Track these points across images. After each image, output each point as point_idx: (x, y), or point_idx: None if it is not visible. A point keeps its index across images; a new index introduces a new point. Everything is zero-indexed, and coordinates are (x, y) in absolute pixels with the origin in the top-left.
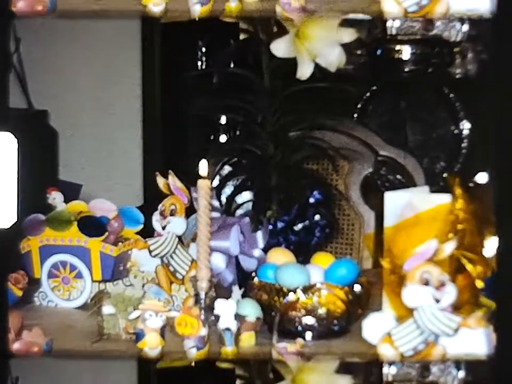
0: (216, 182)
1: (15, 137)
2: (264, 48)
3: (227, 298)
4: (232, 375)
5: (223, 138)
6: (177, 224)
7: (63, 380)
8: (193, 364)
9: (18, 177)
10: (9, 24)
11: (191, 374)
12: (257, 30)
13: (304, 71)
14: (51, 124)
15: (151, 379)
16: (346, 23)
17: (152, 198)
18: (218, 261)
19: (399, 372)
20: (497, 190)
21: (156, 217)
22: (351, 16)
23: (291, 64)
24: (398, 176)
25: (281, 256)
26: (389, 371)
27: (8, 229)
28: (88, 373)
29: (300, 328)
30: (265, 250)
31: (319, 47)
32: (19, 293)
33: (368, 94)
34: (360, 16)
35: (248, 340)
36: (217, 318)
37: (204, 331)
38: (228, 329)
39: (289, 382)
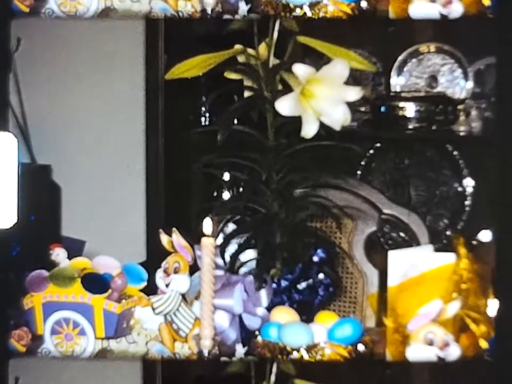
0: (220, 240)
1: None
2: (268, 106)
3: (230, 357)
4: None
5: (226, 195)
6: (181, 282)
7: (63, 380)
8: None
9: (21, 233)
10: (9, 24)
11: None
12: (262, 88)
13: (309, 130)
14: (54, 179)
15: None
16: (351, 81)
17: (155, 254)
18: (222, 319)
19: (407, 82)
20: (500, 248)
21: (159, 275)
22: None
23: (296, 122)
24: (402, 234)
25: (284, 314)
26: (397, 81)
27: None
28: (88, 373)
29: None
30: (269, 308)
31: (324, 105)
32: (22, 350)
33: (371, 151)
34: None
35: None
36: None
37: None
38: None
39: (298, 93)
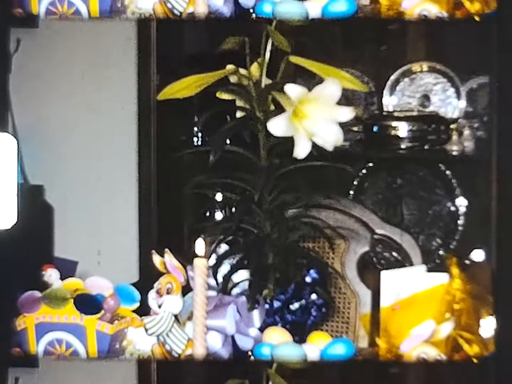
0: (212, 261)
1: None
2: (261, 126)
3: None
4: None
5: (218, 215)
6: (174, 303)
7: (58, 380)
8: None
9: (13, 253)
10: (9, 25)
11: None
12: (254, 108)
13: (301, 150)
14: (47, 199)
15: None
16: (343, 100)
17: (148, 275)
18: (215, 340)
19: (399, 102)
20: (495, 267)
21: (152, 296)
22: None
23: (288, 142)
24: (395, 254)
25: (277, 335)
26: (389, 101)
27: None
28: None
29: None
30: (262, 329)
31: (317, 125)
32: None
33: (364, 171)
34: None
35: None
36: None
37: None
38: None
39: (290, 113)
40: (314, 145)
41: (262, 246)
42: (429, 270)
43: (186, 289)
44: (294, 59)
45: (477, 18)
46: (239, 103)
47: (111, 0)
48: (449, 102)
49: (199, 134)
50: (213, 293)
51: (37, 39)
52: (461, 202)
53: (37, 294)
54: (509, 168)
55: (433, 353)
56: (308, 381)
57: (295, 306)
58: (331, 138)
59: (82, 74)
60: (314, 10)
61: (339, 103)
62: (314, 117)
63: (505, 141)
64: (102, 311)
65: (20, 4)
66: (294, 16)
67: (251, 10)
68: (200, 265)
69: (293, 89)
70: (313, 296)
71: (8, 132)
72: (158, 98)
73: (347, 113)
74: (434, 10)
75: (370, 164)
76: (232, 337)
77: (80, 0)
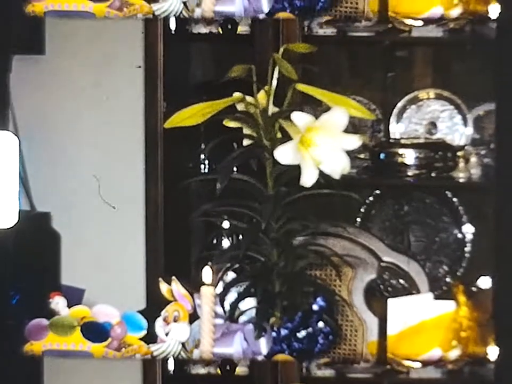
0: (219, 289)
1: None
2: (268, 154)
3: None
4: None
5: (226, 243)
6: (181, 331)
7: (63, 380)
8: None
9: (21, 281)
10: (10, 26)
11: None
12: (261, 136)
13: (308, 178)
14: (54, 226)
15: None
16: (350, 128)
17: (155, 303)
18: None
19: (406, 129)
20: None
21: (159, 323)
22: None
23: (295, 170)
24: (401, 282)
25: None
26: (396, 128)
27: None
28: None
29: None
30: (269, 357)
31: (323, 153)
32: None
33: (371, 198)
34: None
35: None
36: None
37: None
38: None
39: (297, 141)
40: (321, 173)
41: (269, 274)
42: (436, 298)
43: (193, 317)
44: (301, 87)
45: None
46: (246, 131)
47: None
48: (456, 129)
49: (206, 162)
50: (220, 321)
51: (44, 65)
52: (468, 230)
53: (44, 321)
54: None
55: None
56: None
57: (302, 334)
58: (338, 166)
59: (89, 102)
60: None
61: (346, 130)
62: (321, 145)
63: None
64: (109, 339)
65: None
66: None
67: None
68: (207, 293)
69: (299, 117)
70: (320, 324)
71: (10, 130)
72: (165, 126)
73: (354, 142)
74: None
75: (377, 191)
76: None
77: None
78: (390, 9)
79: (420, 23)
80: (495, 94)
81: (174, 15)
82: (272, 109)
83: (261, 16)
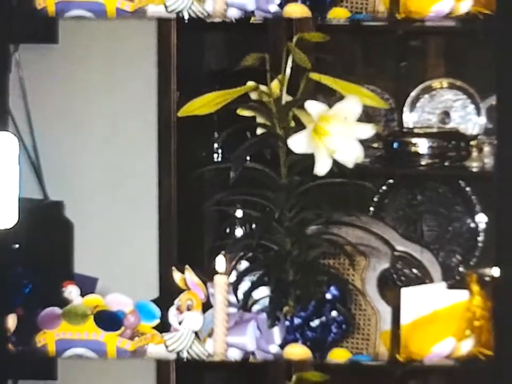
0: (233, 278)
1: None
2: (281, 143)
3: None
4: None
5: (239, 232)
6: (194, 320)
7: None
8: None
9: (33, 270)
10: (9, 25)
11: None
12: (275, 125)
13: (322, 167)
14: (66, 215)
15: None
16: (363, 117)
17: (168, 292)
18: (235, 357)
19: (420, 118)
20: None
21: (172, 312)
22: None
23: (308, 159)
24: (415, 271)
25: (298, 352)
26: (409, 117)
27: None
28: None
29: None
30: (282, 346)
31: (337, 142)
32: None
33: (384, 188)
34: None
35: None
36: None
37: None
38: None
39: (311, 130)
40: (335, 162)
41: (282, 263)
42: (449, 287)
43: (206, 306)
44: (315, 76)
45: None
46: (259, 119)
47: None
48: (469, 119)
49: (219, 151)
50: (233, 310)
51: (56, 54)
52: (481, 219)
53: (57, 310)
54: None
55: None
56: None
57: (315, 323)
58: (352, 155)
59: (102, 91)
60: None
61: (359, 119)
62: (335, 134)
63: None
64: (123, 328)
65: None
66: None
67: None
68: (221, 282)
69: (313, 106)
70: (334, 313)
71: (9, 131)
72: (178, 115)
73: (368, 130)
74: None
75: (391, 181)
76: (253, 354)
77: None
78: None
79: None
80: (497, 86)
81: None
82: (285, 98)
83: (273, 8)
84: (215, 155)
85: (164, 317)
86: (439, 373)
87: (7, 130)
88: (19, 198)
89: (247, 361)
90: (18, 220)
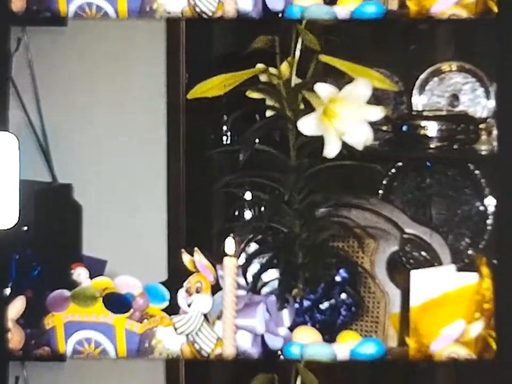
0: (242, 260)
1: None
2: (291, 126)
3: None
4: None
5: (248, 214)
6: (203, 302)
7: (86, 380)
8: None
9: (42, 252)
10: (9, 25)
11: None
12: (284, 107)
13: (332, 149)
14: (75, 198)
15: None
16: (372, 100)
17: (177, 274)
18: (244, 339)
19: (429, 101)
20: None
21: (181, 295)
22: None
23: (318, 141)
24: (424, 254)
25: (307, 335)
26: (418, 100)
27: None
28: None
29: None
30: (291, 328)
31: (347, 125)
32: None
33: (393, 170)
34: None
35: None
36: None
37: None
38: None
39: (320, 113)
40: (344, 145)
41: (291, 245)
42: (458, 270)
43: (215, 288)
44: (324, 58)
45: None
46: (269, 102)
47: (140, 3)
48: (478, 102)
49: (228, 134)
50: (242, 292)
51: (65, 37)
52: (490, 202)
53: (66, 293)
54: None
55: (463, 352)
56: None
57: (324, 305)
58: (361, 137)
59: (111, 74)
60: (343, 14)
61: (369, 102)
62: (345, 116)
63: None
64: (131, 310)
65: (48, 7)
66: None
67: (279, 353)
68: (230, 264)
69: (323, 88)
70: (343, 296)
71: (8, 131)
72: (188, 97)
73: (377, 113)
74: (463, 353)
75: (399, 164)
76: (262, 336)
77: (109, 3)
78: None
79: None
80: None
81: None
82: (295, 80)
83: None
84: (224, 138)
85: (173, 299)
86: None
87: (7, 131)
88: (28, 181)
89: (257, 361)
90: (27, 203)
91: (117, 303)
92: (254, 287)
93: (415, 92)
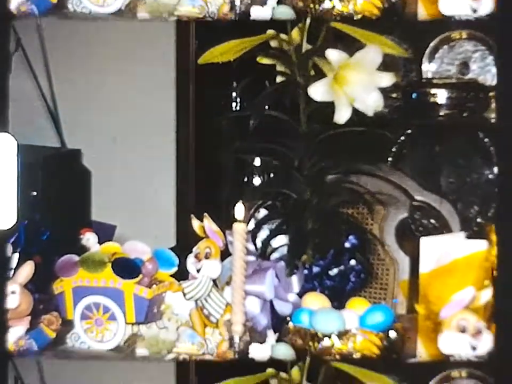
0: (251, 226)
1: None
2: (301, 91)
3: (261, 343)
4: None
5: (257, 181)
6: (212, 268)
7: (95, 377)
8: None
9: (51, 218)
10: (9, 24)
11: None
12: (295, 73)
13: (342, 115)
14: (84, 164)
15: None
16: (382, 68)
17: (186, 240)
18: (253, 305)
19: (438, 69)
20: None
21: (190, 260)
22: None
23: (328, 107)
24: (433, 221)
25: (316, 301)
26: (428, 68)
27: None
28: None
29: None
30: (300, 294)
31: (357, 91)
32: (52, 335)
33: (402, 138)
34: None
35: None
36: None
37: None
38: None
39: (331, 79)
40: (355, 111)
41: (301, 212)
42: (467, 237)
43: (225, 254)
44: (336, 24)
45: None
46: (279, 68)
47: None
48: (488, 70)
49: (238, 100)
50: (251, 258)
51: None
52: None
53: (75, 257)
54: None
55: (472, 319)
56: None
57: (334, 272)
58: (372, 103)
59: (120, 39)
60: (352, 321)
61: (379, 69)
62: (355, 82)
63: None
64: (140, 275)
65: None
66: (331, 330)
67: (288, 319)
68: (240, 229)
69: (334, 55)
70: (352, 262)
71: (8, 132)
72: (198, 62)
73: (388, 79)
74: (472, 320)
75: (409, 131)
76: (271, 302)
77: None
78: None
79: None
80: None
81: None
82: (306, 46)
83: None
84: (234, 104)
85: (182, 265)
86: None
87: (7, 131)
88: (36, 146)
89: (268, 364)
90: (36, 168)
91: (126, 268)
92: (264, 253)
93: (424, 59)
